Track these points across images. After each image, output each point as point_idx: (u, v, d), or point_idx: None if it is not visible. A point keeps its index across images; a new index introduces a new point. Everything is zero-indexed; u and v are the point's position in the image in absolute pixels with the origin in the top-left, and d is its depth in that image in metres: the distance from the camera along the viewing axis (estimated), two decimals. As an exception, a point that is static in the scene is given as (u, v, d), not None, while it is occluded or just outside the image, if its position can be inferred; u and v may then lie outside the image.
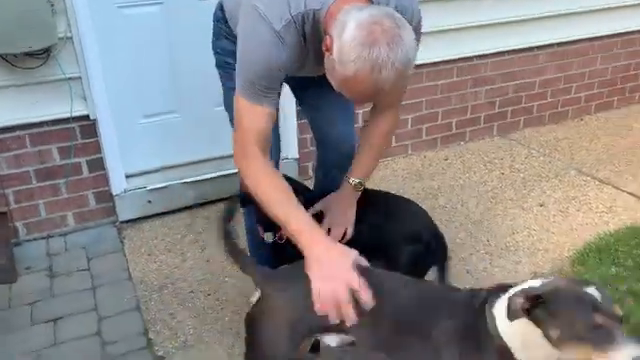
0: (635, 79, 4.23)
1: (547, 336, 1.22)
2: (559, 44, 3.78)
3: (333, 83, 1.44)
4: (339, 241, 1.71)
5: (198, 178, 2.99)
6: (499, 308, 1.30)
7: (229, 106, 1.97)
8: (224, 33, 1.90)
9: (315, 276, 1.38)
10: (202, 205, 3.05)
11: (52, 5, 2.32)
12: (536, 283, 1.30)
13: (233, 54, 1.86)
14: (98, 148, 2.75)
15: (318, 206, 1.89)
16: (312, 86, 1.98)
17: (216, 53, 1.97)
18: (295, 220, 1.47)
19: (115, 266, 2.59)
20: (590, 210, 2.93)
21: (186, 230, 2.86)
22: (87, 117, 2.65)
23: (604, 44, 3.96)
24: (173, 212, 2.99)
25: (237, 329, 2.18)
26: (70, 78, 2.53)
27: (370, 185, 1.97)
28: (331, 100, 2.06)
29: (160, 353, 2.08)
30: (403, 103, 3.47)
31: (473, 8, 3.36)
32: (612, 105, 4.23)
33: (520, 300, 1.23)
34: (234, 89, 1.89)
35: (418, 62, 3.48)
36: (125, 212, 2.89)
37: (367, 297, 1.34)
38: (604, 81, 4.09)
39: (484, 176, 3.32)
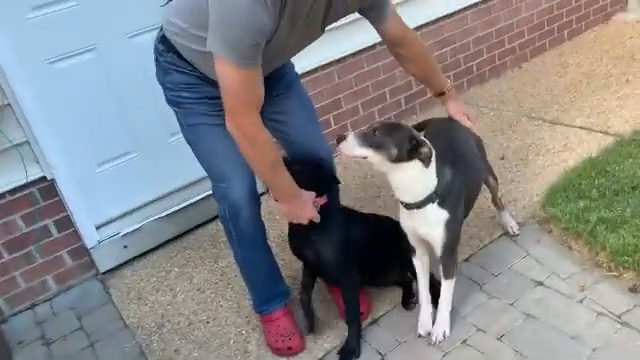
0: (560, 18, 4.38)
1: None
2: (483, 1, 3.90)
3: None
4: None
5: (168, 212, 2.98)
6: None
7: (192, 142, 1.98)
8: (171, 64, 1.85)
9: (286, 216, 1.97)
10: (178, 238, 3.04)
11: (-19, 77, 2.28)
12: None
13: (187, 87, 1.86)
14: (62, 207, 2.71)
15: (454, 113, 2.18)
16: (274, 96, 1.98)
17: (166, 89, 1.91)
18: (286, 188, 1.86)
19: (108, 318, 2.57)
20: (548, 152, 3.05)
21: (169, 265, 2.85)
22: (44, 179, 2.61)
23: (524, -8, 4.11)
24: (151, 251, 2.98)
25: (244, 348, 2.21)
26: (17, 144, 2.49)
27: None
28: (295, 109, 2.08)
29: (174, 391, 2.09)
30: (351, 91, 3.57)
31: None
32: (545, 47, 4.38)
33: None
34: (195, 125, 1.90)
35: (355, 49, 3.54)
36: (104, 263, 2.86)
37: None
38: (533, 27, 4.23)
39: (442, 143, 3.40)
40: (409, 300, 2.21)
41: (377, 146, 1.71)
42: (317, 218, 1.94)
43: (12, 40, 2.43)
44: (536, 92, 3.78)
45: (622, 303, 2.01)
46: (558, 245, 2.36)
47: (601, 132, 3.11)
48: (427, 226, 1.89)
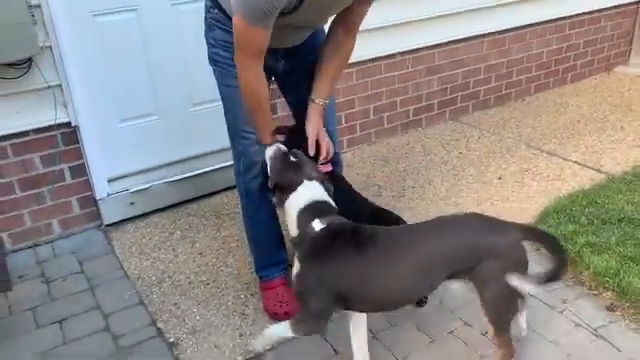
0: (567, 61, 4.62)
1: None
2: (499, 32, 4.11)
3: None
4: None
5: (178, 177, 3.08)
6: None
7: (225, 99, 2.09)
8: (215, 22, 1.96)
9: None
10: (183, 203, 3.15)
11: (33, 16, 2.37)
12: None
13: (225, 45, 1.96)
14: (80, 154, 2.80)
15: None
16: (300, 78, 2.11)
17: (209, 45, 2.03)
18: (262, 126, 1.96)
19: (109, 267, 2.66)
20: (543, 179, 3.23)
21: (172, 228, 2.95)
22: (68, 124, 2.70)
23: (538, 30, 4.32)
24: (155, 212, 3.07)
25: (241, 310, 2.32)
26: (51, 86, 2.58)
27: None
28: None
29: (172, 339, 2.18)
30: (366, 94, 3.72)
31: (420, 3, 3.60)
32: (549, 86, 4.62)
33: None
34: (228, 86, 2.02)
35: (376, 55, 3.70)
36: (109, 215, 2.94)
37: None
38: (541, 64, 4.46)
39: (444, 157, 3.57)
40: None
41: None
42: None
43: (64, -13, 2.53)
44: (536, 124, 3.98)
45: (599, 318, 2.18)
46: (545, 262, 2.52)
47: (594, 169, 3.30)
48: None
